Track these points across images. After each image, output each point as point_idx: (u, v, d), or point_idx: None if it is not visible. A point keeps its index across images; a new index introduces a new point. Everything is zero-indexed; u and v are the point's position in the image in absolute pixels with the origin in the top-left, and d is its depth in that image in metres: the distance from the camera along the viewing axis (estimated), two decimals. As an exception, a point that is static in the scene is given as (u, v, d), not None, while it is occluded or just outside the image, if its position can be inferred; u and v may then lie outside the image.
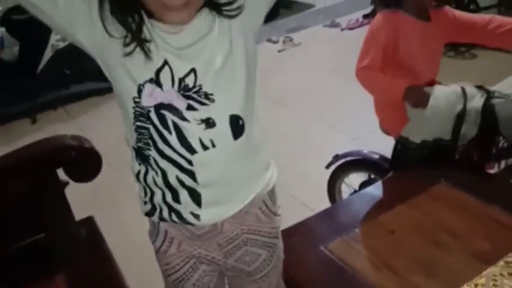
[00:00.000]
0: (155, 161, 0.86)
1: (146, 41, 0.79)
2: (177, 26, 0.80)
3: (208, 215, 0.89)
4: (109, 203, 2.36)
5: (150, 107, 0.81)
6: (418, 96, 1.40)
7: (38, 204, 1.32)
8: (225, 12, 0.83)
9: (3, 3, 3.34)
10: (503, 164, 1.53)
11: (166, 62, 0.80)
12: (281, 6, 5.36)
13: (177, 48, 0.80)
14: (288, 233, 1.28)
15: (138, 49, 0.79)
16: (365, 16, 4.58)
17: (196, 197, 0.87)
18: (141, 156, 0.88)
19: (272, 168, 0.98)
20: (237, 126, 0.85)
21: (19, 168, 1.29)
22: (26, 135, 3.15)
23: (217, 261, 0.98)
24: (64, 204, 1.36)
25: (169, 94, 0.81)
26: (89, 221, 1.44)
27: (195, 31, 0.81)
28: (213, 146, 0.84)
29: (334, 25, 4.77)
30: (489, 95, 1.38)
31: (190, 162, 0.84)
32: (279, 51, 4.32)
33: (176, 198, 0.88)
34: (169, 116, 0.82)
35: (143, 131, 0.84)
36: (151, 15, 0.79)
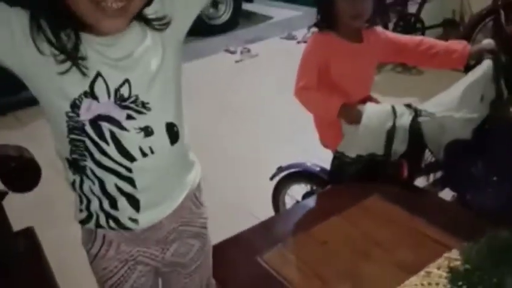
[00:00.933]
0: (91, 171, 0.87)
1: (82, 58, 0.79)
2: (110, 38, 0.81)
3: (146, 218, 0.93)
4: (52, 213, 2.32)
5: (86, 120, 0.82)
6: (352, 114, 1.48)
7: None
8: (155, 26, 0.87)
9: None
10: (431, 177, 1.63)
11: (99, 74, 0.81)
12: (240, 17, 5.44)
13: (112, 59, 0.82)
14: (227, 244, 1.33)
15: (68, 65, 0.79)
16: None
17: (134, 203, 0.91)
18: (76, 166, 0.89)
19: (197, 163, 1.05)
20: (173, 132, 0.90)
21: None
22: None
23: (155, 257, 1.01)
24: (1, 216, 1.35)
25: (106, 106, 0.83)
26: (28, 232, 1.43)
27: (128, 42, 0.84)
28: (152, 152, 0.88)
29: (291, 38, 4.87)
30: (416, 114, 1.47)
31: (129, 170, 0.87)
32: (237, 61, 4.37)
33: (114, 205, 0.90)
34: (107, 127, 0.83)
35: (78, 143, 0.85)
36: (82, 29, 0.79)
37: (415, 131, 1.46)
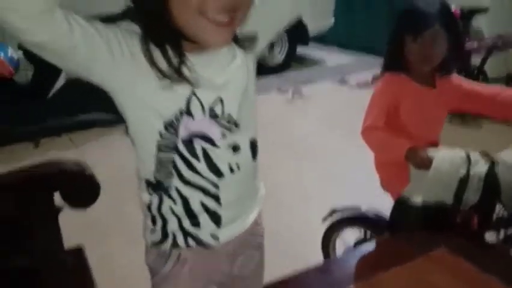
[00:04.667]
0: (177, 190, 0.88)
1: (187, 78, 0.80)
2: (205, 55, 0.82)
3: (226, 233, 0.94)
4: (101, 234, 2.32)
5: (182, 137, 0.84)
6: (420, 158, 1.40)
7: (29, 228, 1.29)
8: (245, 45, 0.88)
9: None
10: (502, 233, 1.50)
11: (193, 93, 0.83)
12: (293, 60, 5.49)
13: (205, 77, 0.83)
14: (280, 285, 1.25)
15: (165, 85, 0.79)
16: (374, 77, 4.66)
17: (216, 219, 0.92)
18: (156, 187, 0.89)
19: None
20: (254, 148, 0.94)
21: (15, 188, 1.28)
22: (27, 158, 3.14)
23: (224, 272, 1.01)
24: (55, 231, 1.34)
25: (202, 123, 0.84)
26: (78, 251, 1.40)
27: (221, 60, 0.86)
28: (238, 168, 0.90)
29: (343, 82, 4.86)
30: (493, 163, 1.38)
31: (216, 186, 0.89)
32: (288, 101, 4.37)
33: (195, 223, 0.91)
34: (199, 144, 0.85)
35: (166, 162, 0.86)
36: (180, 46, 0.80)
37: (491, 181, 1.36)
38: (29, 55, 3.42)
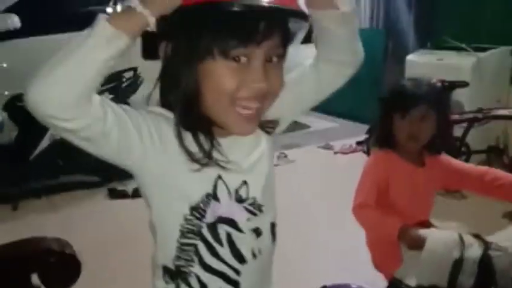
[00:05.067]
0: (196, 276, 0.85)
1: (218, 161, 0.81)
2: (231, 139, 0.83)
3: None
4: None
5: (208, 222, 0.83)
6: (413, 238, 1.38)
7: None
8: (268, 129, 0.90)
9: (11, 90, 3.41)
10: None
11: (219, 176, 0.83)
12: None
13: (231, 162, 0.83)
14: None
15: (192, 169, 0.79)
16: (358, 143, 4.72)
17: None
18: (174, 273, 0.86)
19: None
20: (274, 232, 0.93)
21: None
22: (4, 221, 3.04)
23: None
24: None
25: (229, 207, 0.84)
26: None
27: (246, 144, 0.87)
28: (260, 253, 0.89)
29: (328, 147, 4.90)
30: (487, 246, 1.36)
31: (237, 273, 0.87)
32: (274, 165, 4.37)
33: None
34: (224, 229, 0.84)
35: (188, 248, 0.84)
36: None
37: (486, 265, 1.34)
38: (14, 116, 3.39)
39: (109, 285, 2.44)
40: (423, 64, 3.90)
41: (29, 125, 3.34)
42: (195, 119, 0.79)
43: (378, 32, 5.40)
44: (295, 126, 5.86)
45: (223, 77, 0.75)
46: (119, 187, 3.65)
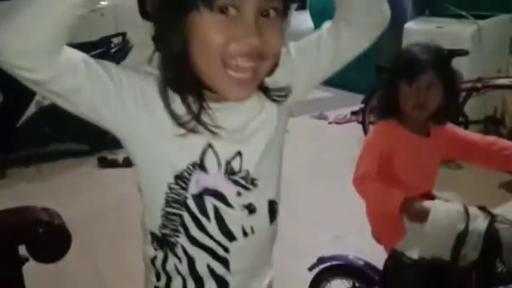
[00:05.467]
0: (183, 248, 0.81)
1: (207, 125, 0.74)
2: (228, 105, 0.76)
3: None
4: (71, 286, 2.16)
5: (192, 193, 0.78)
6: (416, 210, 1.33)
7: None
8: (275, 97, 0.80)
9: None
10: (502, 290, 1.44)
11: (210, 144, 0.77)
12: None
13: (225, 129, 0.77)
14: None
15: (180, 134, 0.74)
16: (353, 113, 4.66)
17: (223, 286, 0.84)
18: (162, 242, 0.82)
19: None
20: (273, 211, 0.86)
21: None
22: (-9, 190, 2.97)
23: None
24: (19, 285, 1.20)
25: (215, 179, 0.78)
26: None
27: (245, 112, 0.79)
28: (252, 232, 0.82)
29: (322, 117, 4.85)
30: (493, 219, 1.32)
31: (226, 250, 0.82)
32: (267, 135, 4.31)
33: (200, 287, 0.83)
34: (211, 202, 0.79)
35: (173, 217, 0.80)
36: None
37: (492, 237, 1.29)
38: (-1, 82, 3.27)
39: (99, 254, 2.40)
40: (421, 32, 3.80)
41: (14, 91, 3.23)
42: (183, 79, 0.73)
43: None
44: (289, 95, 5.79)
45: (209, 31, 0.68)
46: (109, 156, 3.58)
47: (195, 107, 0.74)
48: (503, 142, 1.50)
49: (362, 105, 3.76)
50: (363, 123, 3.74)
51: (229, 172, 0.79)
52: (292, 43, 0.85)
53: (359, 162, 1.46)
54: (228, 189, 0.79)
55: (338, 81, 5.90)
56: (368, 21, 0.81)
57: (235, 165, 0.79)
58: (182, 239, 0.80)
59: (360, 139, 3.82)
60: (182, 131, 0.73)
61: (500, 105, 3.85)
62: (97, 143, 3.56)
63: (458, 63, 3.36)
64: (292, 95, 0.83)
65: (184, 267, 0.82)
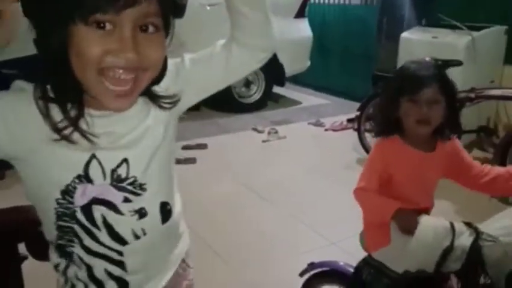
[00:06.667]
0: (79, 257, 0.84)
1: (84, 132, 0.75)
2: (111, 113, 0.77)
3: None
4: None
5: (79, 206, 0.79)
6: (407, 220, 1.36)
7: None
8: (163, 104, 0.83)
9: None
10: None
11: (93, 155, 0.77)
12: (269, 99, 5.51)
13: (108, 136, 0.78)
14: None
15: (61, 146, 0.74)
16: (349, 120, 4.71)
17: (123, 285, 0.87)
18: (62, 251, 0.85)
19: (185, 233, 1.02)
20: (166, 211, 0.88)
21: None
22: (-10, 191, 3.00)
23: None
24: (18, 283, 1.23)
25: (102, 188, 0.79)
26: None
27: (130, 119, 0.80)
28: (144, 234, 0.85)
29: (318, 124, 4.88)
30: (477, 236, 1.34)
31: (120, 254, 0.84)
32: (264, 141, 4.35)
33: None
34: (99, 212, 0.80)
35: (66, 229, 0.82)
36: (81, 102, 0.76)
37: (475, 254, 1.32)
38: None
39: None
40: (417, 42, 3.86)
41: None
42: (62, 85, 0.73)
43: (372, 9, 5.34)
44: (287, 102, 5.84)
45: (85, 44, 0.68)
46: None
47: (73, 113, 0.74)
48: (495, 169, 1.48)
49: (358, 113, 3.80)
50: (358, 130, 3.78)
51: (116, 180, 0.80)
52: (188, 55, 0.88)
53: (361, 176, 1.47)
54: (116, 197, 0.80)
55: (336, 88, 5.97)
56: (256, 44, 0.87)
57: (122, 172, 0.80)
58: (77, 249, 0.83)
59: (355, 146, 3.87)
60: (62, 144, 0.73)
61: (493, 115, 3.90)
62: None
63: (452, 73, 3.41)
64: (182, 102, 0.86)
65: (83, 274, 0.85)
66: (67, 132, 0.73)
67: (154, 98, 0.83)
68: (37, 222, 1.21)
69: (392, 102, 1.43)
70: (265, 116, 5.15)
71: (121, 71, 0.70)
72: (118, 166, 0.80)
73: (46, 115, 0.73)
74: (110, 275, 0.86)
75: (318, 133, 4.67)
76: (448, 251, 1.32)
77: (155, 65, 0.75)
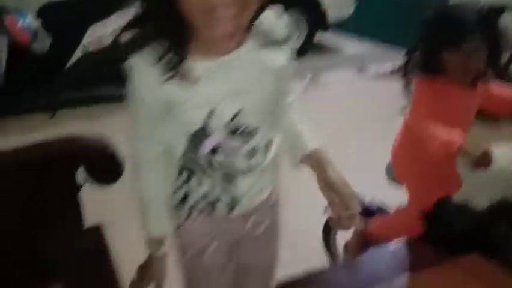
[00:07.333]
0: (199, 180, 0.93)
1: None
2: (224, 61, 0.81)
3: (241, 208, 0.96)
4: (120, 213, 2.28)
5: (201, 153, 0.87)
6: (483, 152, 1.27)
7: (49, 203, 1.25)
8: (276, 47, 0.86)
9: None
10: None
11: (212, 109, 0.83)
12: (311, 47, 5.38)
13: (225, 89, 0.82)
14: (300, 283, 1.22)
15: (185, 106, 0.81)
16: (394, 67, 4.57)
17: (234, 202, 0.95)
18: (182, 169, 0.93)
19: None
20: (271, 146, 0.94)
21: (35, 164, 1.24)
22: (42, 129, 3.11)
23: (235, 231, 1.02)
24: (76, 209, 1.30)
25: (219, 137, 0.86)
26: (98, 230, 1.37)
27: (243, 66, 0.83)
28: (255, 168, 0.92)
29: (361, 72, 4.77)
30: None
31: (235, 184, 0.93)
32: (305, 88, 4.30)
33: (213, 204, 0.94)
34: (218, 157, 0.88)
35: (188, 166, 0.91)
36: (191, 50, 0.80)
37: None
38: (48, 24, 3.36)
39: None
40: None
41: (63, 34, 3.32)
42: (169, 27, 0.77)
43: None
44: (329, 49, 5.70)
45: None
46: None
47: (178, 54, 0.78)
48: None
49: (404, 59, 3.67)
50: (405, 76, 3.66)
51: (233, 129, 0.86)
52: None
53: (412, 109, 1.48)
54: (231, 144, 0.87)
55: (379, 33, 5.75)
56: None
57: (238, 121, 0.86)
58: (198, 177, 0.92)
59: (401, 94, 3.76)
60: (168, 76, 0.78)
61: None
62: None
63: (506, 19, 3.23)
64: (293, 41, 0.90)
65: (201, 189, 0.94)
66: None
67: (263, 40, 0.84)
68: (94, 148, 1.26)
69: (435, 49, 1.41)
70: (307, 63, 5.05)
71: (222, 7, 0.72)
72: (235, 116, 0.85)
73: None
74: (221, 197, 0.94)
75: (360, 81, 4.57)
76: None
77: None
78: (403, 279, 1.22)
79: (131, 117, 0.87)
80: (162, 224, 0.96)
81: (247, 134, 0.87)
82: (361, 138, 3.29)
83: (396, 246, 1.44)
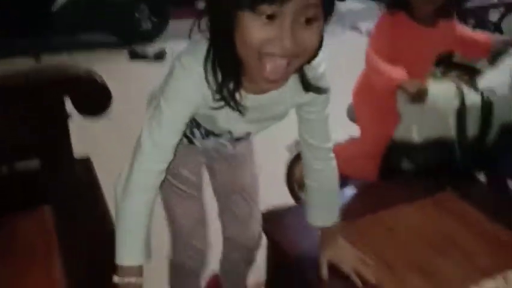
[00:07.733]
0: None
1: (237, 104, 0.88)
2: (263, 98, 0.90)
3: (239, 133, 1.06)
4: (106, 147, 2.31)
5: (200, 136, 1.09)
6: (419, 87, 1.36)
7: (39, 130, 1.27)
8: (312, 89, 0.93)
9: None
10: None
11: (229, 131, 1.02)
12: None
13: (249, 119, 0.93)
14: (283, 212, 1.27)
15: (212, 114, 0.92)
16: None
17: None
18: None
19: None
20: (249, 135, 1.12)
21: (25, 89, 1.25)
22: (27, 72, 3.08)
23: (223, 148, 1.16)
24: (65, 136, 1.32)
25: (219, 140, 1.09)
26: (86, 161, 1.39)
27: (275, 104, 0.93)
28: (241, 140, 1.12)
29: (354, 29, 4.74)
30: (482, 92, 1.41)
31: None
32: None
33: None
34: (209, 143, 1.11)
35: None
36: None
37: (488, 110, 1.38)
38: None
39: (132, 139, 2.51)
40: None
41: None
42: (224, 61, 0.82)
43: None
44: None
45: (249, 30, 0.75)
46: (139, 50, 3.63)
47: (231, 86, 0.85)
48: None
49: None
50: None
51: (235, 139, 1.08)
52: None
53: (372, 40, 1.53)
54: (228, 145, 1.12)
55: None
56: None
57: (242, 135, 1.07)
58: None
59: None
60: (216, 105, 0.88)
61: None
62: (127, 36, 3.60)
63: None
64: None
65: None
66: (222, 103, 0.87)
67: (305, 83, 0.91)
68: (82, 78, 1.27)
69: None
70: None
71: (277, 57, 0.77)
72: (242, 135, 1.06)
73: (213, 89, 0.85)
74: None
75: (354, 38, 4.56)
76: (462, 111, 1.36)
77: (309, 52, 0.81)
78: (381, 212, 1.27)
79: (152, 117, 0.91)
80: (136, 253, 0.90)
81: (245, 139, 1.10)
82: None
83: (374, 184, 1.49)
